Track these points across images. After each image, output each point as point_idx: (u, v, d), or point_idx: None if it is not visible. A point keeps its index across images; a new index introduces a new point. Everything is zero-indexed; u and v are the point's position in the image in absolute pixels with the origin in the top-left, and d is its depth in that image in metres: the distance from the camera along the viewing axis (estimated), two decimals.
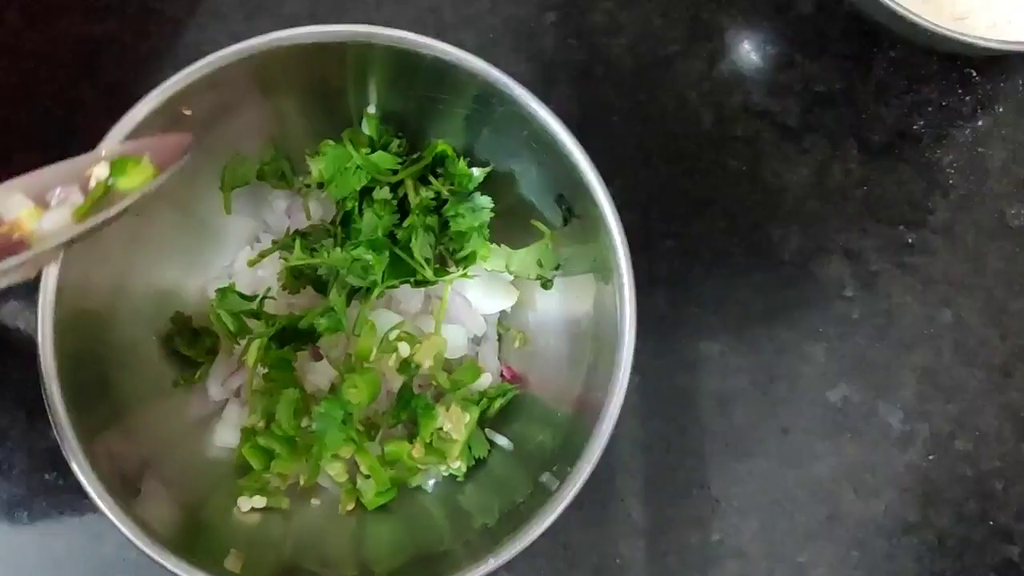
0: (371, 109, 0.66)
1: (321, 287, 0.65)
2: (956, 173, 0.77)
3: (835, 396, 0.75)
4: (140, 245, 0.64)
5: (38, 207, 0.56)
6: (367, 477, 0.65)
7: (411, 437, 0.65)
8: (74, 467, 0.55)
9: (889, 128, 0.78)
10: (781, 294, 0.76)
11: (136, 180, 0.56)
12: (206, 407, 0.68)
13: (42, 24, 0.76)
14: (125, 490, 0.57)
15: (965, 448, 0.75)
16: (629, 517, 0.72)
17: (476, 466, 0.67)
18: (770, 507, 0.73)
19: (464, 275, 0.66)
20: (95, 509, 0.67)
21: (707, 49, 0.78)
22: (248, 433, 0.65)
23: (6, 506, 0.71)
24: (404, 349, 0.64)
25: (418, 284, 0.65)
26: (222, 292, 0.64)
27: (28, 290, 0.71)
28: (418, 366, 0.64)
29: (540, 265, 0.66)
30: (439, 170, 0.67)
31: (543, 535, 0.57)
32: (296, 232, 0.67)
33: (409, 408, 0.64)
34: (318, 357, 0.67)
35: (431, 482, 0.68)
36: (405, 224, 0.64)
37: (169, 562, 0.55)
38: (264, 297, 0.65)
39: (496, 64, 0.59)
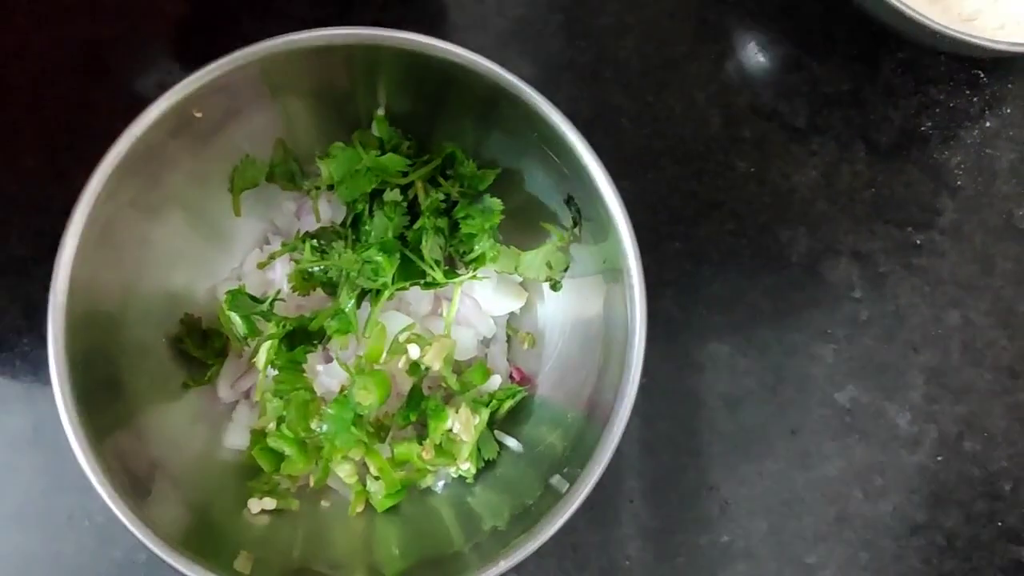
0: (380, 111, 0.66)
1: (331, 289, 0.65)
2: (964, 174, 0.77)
3: (843, 397, 0.74)
4: (150, 247, 0.64)
5: None
6: (377, 479, 0.65)
7: (421, 439, 0.65)
8: (85, 468, 0.55)
9: (897, 129, 0.78)
10: (789, 295, 0.75)
11: None
12: (216, 409, 0.68)
13: (51, 27, 0.76)
14: (135, 491, 0.57)
15: (973, 449, 0.74)
16: (638, 518, 0.72)
17: (486, 468, 0.67)
18: (779, 508, 0.73)
19: (474, 277, 0.66)
20: (105, 512, 0.68)
21: (714, 51, 0.78)
22: (258, 435, 0.65)
23: (16, 510, 0.71)
24: (414, 351, 0.64)
25: (428, 286, 0.65)
26: (232, 294, 0.64)
27: (38, 293, 0.72)
28: (428, 368, 0.64)
29: (549, 267, 0.66)
30: (449, 172, 0.67)
31: (552, 536, 0.57)
32: (306, 234, 0.67)
33: (419, 410, 0.65)
34: (328, 359, 0.67)
35: (441, 484, 0.68)
36: (415, 226, 0.64)
37: (180, 563, 0.55)
38: (274, 299, 0.65)
39: (503, 66, 0.59)
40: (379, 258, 0.62)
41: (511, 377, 0.69)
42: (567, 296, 0.68)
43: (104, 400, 0.59)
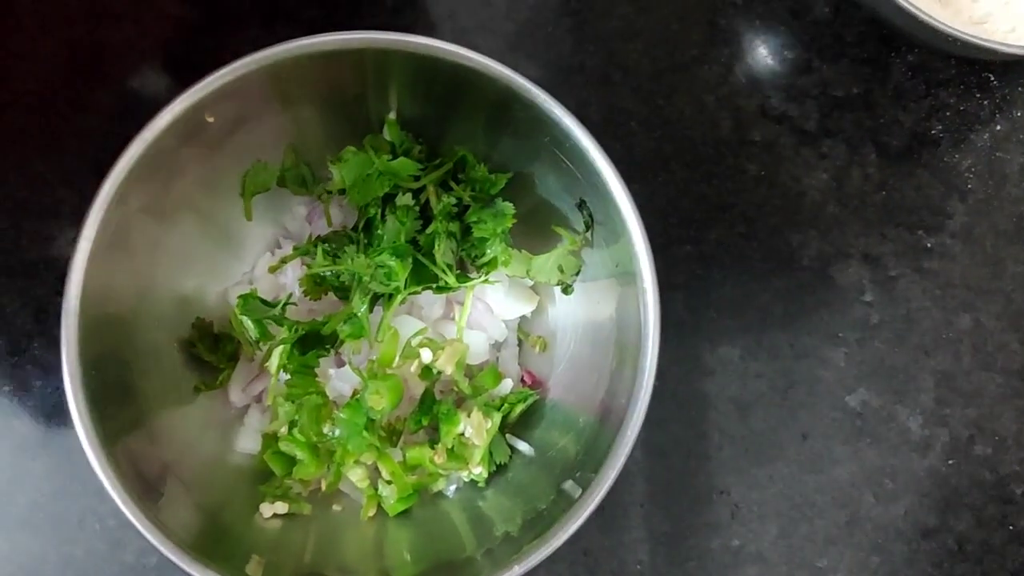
0: (392, 115, 0.66)
1: (343, 293, 0.65)
2: (974, 177, 0.77)
3: (854, 401, 0.74)
4: (162, 252, 0.64)
5: None
6: (389, 483, 0.65)
7: (433, 443, 0.65)
8: (97, 471, 0.55)
9: (907, 132, 0.77)
10: (800, 299, 0.75)
11: None
12: (227, 413, 0.68)
13: (58, 31, 0.76)
14: (147, 494, 0.57)
15: (984, 453, 0.74)
16: (648, 522, 0.72)
17: (497, 472, 0.67)
18: (790, 512, 0.73)
19: (486, 281, 0.66)
20: (116, 515, 0.68)
21: (724, 54, 0.78)
22: (270, 439, 0.65)
23: (26, 513, 0.71)
24: (426, 355, 0.64)
25: (440, 290, 0.65)
26: (244, 298, 0.64)
27: (49, 296, 0.72)
28: (440, 372, 0.64)
29: (561, 271, 0.66)
30: (460, 176, 0.67)
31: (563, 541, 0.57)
32: (318, 238, 0.67)
33: (431, 414, 0.65)
34: (340, 363, 0.67)
35: (452, 488, 0.68)
36: (427, 230, 0.64)
37: (191, 567, 0.55)
38: (286, 303, 0.65)
39: (513, 69, 0.59)
40: (391, 262, 0.62)
41: (523, 381, 0.69)
42: (579, 300, 0.68)
43: (116, 404, 0.59)
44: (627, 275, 0.61)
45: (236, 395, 0.68)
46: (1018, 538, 0.74)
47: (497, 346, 0.70)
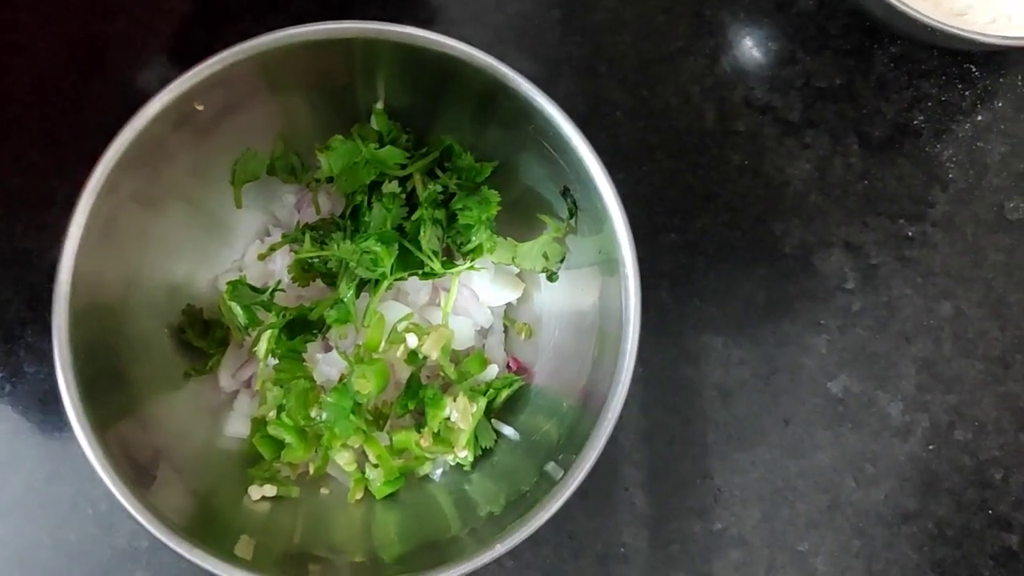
0: (379, 105, 0.67)
1: (330, 279, 0.66)
2: (956, 167, 0.78)
3: (836, 387, 0.75)
4: (152, 240, 0.65)
5: None
6: (375, 466, 0.66)
7: (419, 427, 0.66)
8: (89, 456, 0.56)
9: (889, 123, 0.78)
10: (783, 287, 0.76)
11: None
12: (217, 398, 0.69)
13: (54, 24, 0.77)
14: (138, 478, 0.58)
15: (964, 438, 0.75)
16: (633, 506, 0.73)
17: (483, 456, 0.67)
18: (772, 496, 0.74)
19: (471, 267, 0.67)
20: (107, 499, 0.69)
21: (709, 45, 0.79)
22: (259, 423, 0.66)
23: (20, 497, 0.72)
24: (412, 340, 0.65)
25: (426, 276, 0.66)
26: (233, 285, 0.65)
27: (42, 284, 0.73)
28: (426, 357, 0.65)
29: (546, 258, 0.67)
30: (446, 164, 0.68)
31: (548, 524, 0.57)
32: (306, 226, 0.68)
33: (417, 398, 0.65)
34: (327, 348, 0.68)
35: (438, 472, 0.69)
36: (413, 217, 0.65)
37: (182, 548, 0.56)
38: (275, 289, 0.65)
39: (500, 60, 0.60)
40: (378, 248, 0.63)
41: (508, 367, 0.70)
42: (563, 287, 0.69)
43: (107, 390, 0.60)
44: (610, 262, 0.62)
45: (226, 380, 0.69)
46: (997, 522, 0.75)
47: (483, 332, 0.70)
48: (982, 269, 0.77)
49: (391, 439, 0.66)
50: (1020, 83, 0.80)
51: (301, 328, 0.65)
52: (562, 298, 0.69)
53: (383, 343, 0.64)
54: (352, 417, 0.63)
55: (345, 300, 0.64)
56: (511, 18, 0.79)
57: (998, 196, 0.78)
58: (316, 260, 0.66)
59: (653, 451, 0.74)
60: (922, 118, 0.79)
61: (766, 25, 0.80)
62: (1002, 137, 0.79)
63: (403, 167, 0.66)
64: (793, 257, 0.77)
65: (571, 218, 0.66)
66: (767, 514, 0.74)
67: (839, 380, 0.75)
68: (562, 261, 0.68)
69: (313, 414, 0.64)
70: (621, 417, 0.58)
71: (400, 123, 0.68)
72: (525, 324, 0.71)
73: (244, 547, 0.59)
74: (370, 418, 0.65)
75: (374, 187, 0.66)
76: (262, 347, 0.64)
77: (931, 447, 0.75)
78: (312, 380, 0.65)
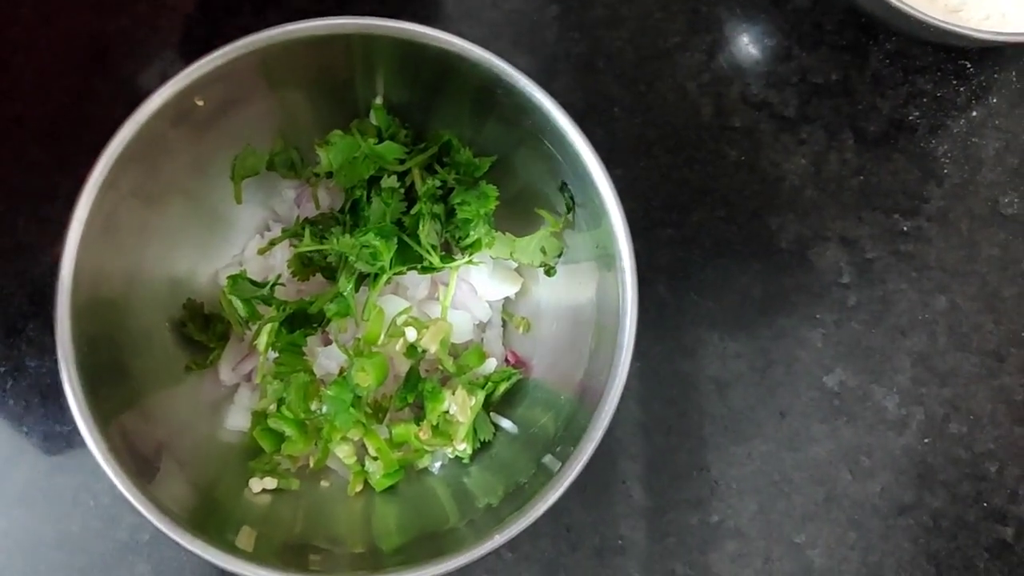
0: (378, 100, 0.67)
1: (330, 274, 0.67)
2: (950, 162, 0.79)
3: (832, 381, 0.76)
4: (153, 234, 0.66)
5: None
6: (375, 459, 0.66)
7: (418, 420, 0.66)
8: (91, 448, 0.57)
9: (885, 119, 0.79)
10: (779, 281, 0.77)
11: None
12: (218, 391, 0.69)
13: (55, 21, 0.78)
14: (141, 471, 0.58)
15: (959, 431, 0.76)
16: (630, 499, 0.74)
17: (481, 448, 0.68)
18: (768, 489, 0.75)
19: (469, 262, 0.68)
20: (109, 492, 0.69)
21: (706, 41, 0.79)
22: (259, 416, 0.67)
23: (22, 490, 0.73)
24: (411, 334, 0.65)
25: (425, 270, 0.67)
26: (233, 279, 0.66)
27: (44, 279, 0.73)
28: (425, 350, 0.66)
29: (544, 252, 0.68)
30: (445, 159, 0.68)
31: (546, 516, 0.58)
32: (305, 220, 0.69)
33: (416, 391, 0.66)
34: (327, 342, 0.68)
35: (437, 464, 0.69)
36: (412, 212, 0.66)
37: (184, 539, 0.57)
38: (275, 283, 0.66)
39: (498, 56, 0.61)
40: (377, 243, 0.64)
41: (506, 360, 0.71)
42: (561, 281, 0.70)
43: (109, 383, 0.60)
44: (608, 257, 0.62)
45: (226, 374, 0.69)
46: (992, 515, 0.75)
47: (481, 326, 0.71)
48: (977, 264, 0.78)
49: (390, 432, 0.66)
50: (1014, 79, 0.80)
51: (301, 322, 0.65)
52: (560, 292, 0.70)
53: (382, 337, 0.65)
54: (352, 410, 0.63)
55: (345, 294, 0.64)
56: (508, 14, 0.79)
57: (992, 191, 0.79)
58: (316, 254, 0.66)
59: (650, 444, 0.75)
60: (917, 114, 0.79)
61: (762, 21, 0.80)
62: (996, 133, 0.79)
63: (402, 162, 0.67)
64: (789, 252, 0.77)
65: (569, 213, 0.66)
66: (763, 506, 0.74)
67: (835, 373, 0.76)
68: (560, 256, 0.68)
69: (313, 407, 0.65)
70: (618, 410, 0.59)
71: (399, 118, 0.68)
72: (523, 318, 0.72)
73: (245, 538, 0.60)
74: (370, 411, 0.66)
75: (373, 182, 0.67)
76: (262, 341, 0.65)
77: (926, 440, 0.76)
78: (312, 373, 0.66)
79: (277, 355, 0.65)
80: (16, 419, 0.73)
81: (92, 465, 0.57)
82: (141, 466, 0.59)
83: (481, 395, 0.66)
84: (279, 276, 0.67)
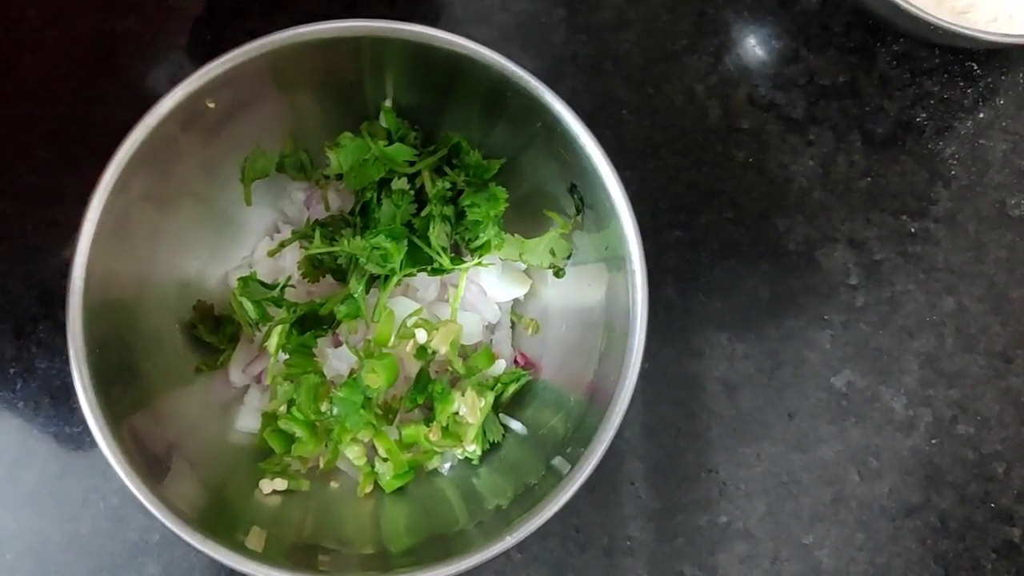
0: (388, 102, 0.68)
1: (340, 275, 0.67)
2: (958, 164, 0.79)
3: (840, 382, 0.76)
4: (163, 236, 0.66)
5: None
6: (385, 460, 0.67)
7: (428, 421, 0.67)
8: (103, 449, 0.57)
9: (892, 120, 0.79)
10: (787, 283, 0.77)
11: None
12: (228, 392, 0.70)
13: (63, 21, 0.78)
14: (152, 472, 0.58)
15: (967, 432, 0.76)
16: (639, 500, 0.74)
17: (490, 450, 0.68)
18: (776, 490, 0.75)
19: (479, 263, 0.68)
20: (119, 493, 0.70)
21: (714, 44, 0.79)
22: (269, 417, 0.67)
23: (32, 492, 0.73)
24: (421, 335, 0.65)
25: (435, 272, 0.67)
26: (244, 281, 0.66)
27: (53, 280, 0.74)
28: (435, 352, 0.66)
29: (553, 254, 0.68)
30: (455, 161, 0.68)
31: (555, 517, 0.58)
32: (316, 222, 0.69)
33: (426, 393, 0.66)
34: (338, 343, 0.68)
35: (447, 466, 0.69)
36: (422, 214, 0.66)
37: (194, 540, 0.57)
38: (285, 285, 0.66)
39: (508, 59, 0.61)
40: (387, 245, 0.64)
41: (516, 362, 0.71)
42: (570, 283, 0.70)
43: (120, 384, 0.60)
44: (617, 258, 0.62)
45: (236, 375, 0.69)
46: (1000, 515, 0.75)
47: (491, 328, 0.71)
48: (984, 265, 0.78)
49: (400, 433, 0.66)
50: (1021, 80, 0.80)
51: (311, 323, 0.66)
52: (569, 294, 0.70)
53: (393, 338, 0.65)
54: (362, 411, 0.64)
55: (355, 296, 0.65)
56: (516, 16, 0.79)
57: (1000, 193, 0.79)
58: (326, 256, 0.66)
59: (658, 445, 0.75)
60: (925, 115, 0.79)
61: (769, 23, 0.80)
62: (1004, 134, 0.79)
63: (412, 164, 0.67)
64: (797, 253, 0.77)
65: (578, 215, 0.67)
66: (772, 507, 0.74)
67: (843, 375, 0.76)
68: (569, 257, 0.69)
69: (323, 408, 0.65)
70: (627, 412, 0.59)
71: (409, 120, 0.68)
72: (532, 319, 0.72)
73: (255, 539, 0.60)
74: (380, 412, 0.66)
75: (383, 184, 0.67)
76: (273, 342, 0.65)
77: (934, 441, 0.76)
78: (322, 375, 0.66)
79: (287, 356, 0.65)
80: (26, 420, 0.73)
81: (102, 466, 0.57)
82: (151, 467, 0.59)
83: (491, 396, 0.66)
84: (289, 278, 0.67)
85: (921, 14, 0.68)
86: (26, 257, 0.75)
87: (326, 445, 0.66)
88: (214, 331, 0.68)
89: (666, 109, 0.79)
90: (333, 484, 0.68)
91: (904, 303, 0.77)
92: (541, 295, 0.72)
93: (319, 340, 0.66)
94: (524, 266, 0.71)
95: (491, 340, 0.71)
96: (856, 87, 0.79)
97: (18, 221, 0.75)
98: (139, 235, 0.64)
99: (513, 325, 0.72)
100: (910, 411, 0.76)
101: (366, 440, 0.67)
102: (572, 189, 0.66)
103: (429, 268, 0.67)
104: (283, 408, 0.66)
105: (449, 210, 0.66)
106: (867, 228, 0.78)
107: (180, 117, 0.60)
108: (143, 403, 0.63)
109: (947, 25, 0.68)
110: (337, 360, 0.67)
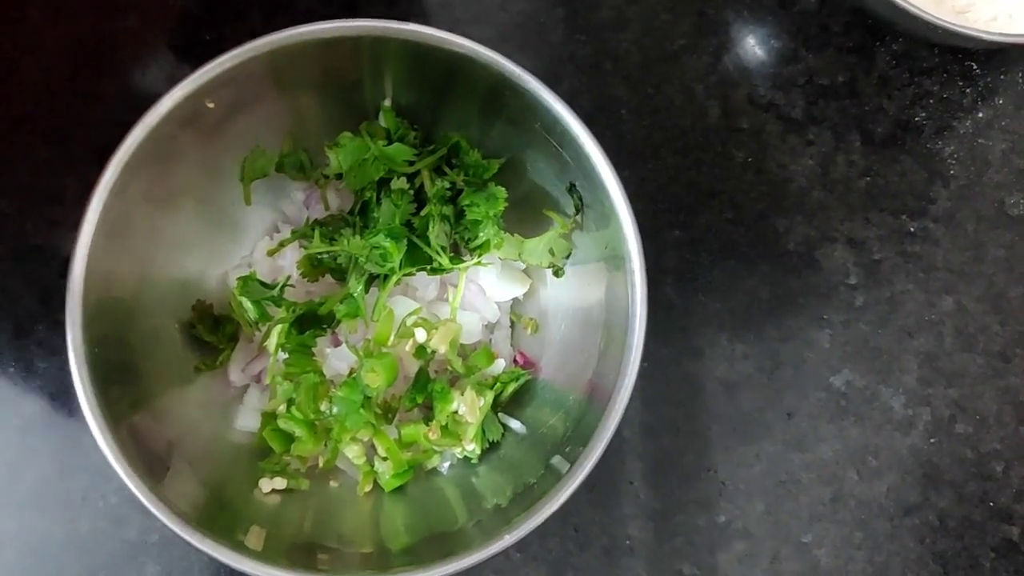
0: (387, 102, 0.68)
1: (339, 275, 0.67)
2: (957, 164, 0.79)
3: (839, 381, 0.76)
4: (163, 236, 0.66)
5: None
6: (384, 459, 0.67)
7: (427, 420, 0.67)
8: (103, 448, 0.57)
9: (891, 120, 0.79)
10: (786, 282, 0.77)
11: None
12: (227, 392, 0.70)
13: (64, 21, 0.78)
14: (152, 471, 0.59)
15: (965, 431, 0.76)
16: (638, 499, 0.74)
17: (490, 449, 0.68)
18: (775, 489, 0.75)
19: (478, 263, 0.68)
20: (118, 493, 0.70)
21: (713, 44, 0.80)
22: (269, 417, 0.67)
23: (32, 492, 0.73)
24: (420, 335, 0.65)
25: (434, 272, 0.67)
26: (243, 280, 0.66)
27: (53, 280, 0.74)
28: (434, 351, 0.66)
29: (552, 253, 0.68)
30: (454, 161, 0.68)
31: (555, 516, 0.58)
32: (315, 222, 0.69)
33: (425, 392, 0.66)
34: (337, 343, 0.68)
35: (446, 465, 0.69)
36: (422, 213, 0.66)
37: (194, 539, 0.57)
38: (284, 284, 0.66)
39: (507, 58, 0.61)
40: (387, 244, 0.64)
41: (515, 361, 0.71)
42: (569, 282, 0.70)
43: (120, 384, 0.61)
44: (616, 258, 0.62)
45: (236, 375, 0.69)
46: (998, 514, 0.75)
47: (490, 327, 0.71)
48: (983, 264, 0.78)
49: (400, 432, 0.66)
50: (1020, 80, 0.80)
51: (311, 323, 0.66)
52: (568, 293, 0.70)
53: (392, 337, 0.65)
54: (361, 411, 0.64)
55: (354, 295, 0.65)
56: (515, 16, 0.80)
57: (999, 192, 0.79)
58: (326, 256, 0.66)
59: (658, 445, 0.75)
60: (924, 115, 0.79)
61: (769, 23, 0.80)
62: (1003, 134, 0.79)
63: (411, 164, 0.67)
64: (796, 253, 0.77)
65: (577, 214, 0.67)
66: (770, 507, 0.75)
67: (842, 374, 0.76)
68: (568, 257, 0.69)
69: (323, 408, 0.65)
70: (626, 411, 0.59)
71: (408, 120, 0.69)
72: (531, 319, 0.72)
73: (255, 538, 0.60)
74: (379, 412, 0.66)
75: (383, 183, 0.67)
76: (272, 342, 0.65)
77: (933, 440, 0.76)
78: (322, 374, 0.66)
79: (287, 356, 0.66)
80: (26, 420, 0.73)
81: (101, 465, 0.57)
82: (151, 466, 0.59)
83: (490, 396, 0.67)
84: (289, 277, 0.67)
85: (920, 14, 0.68)
86: (26, 256, 0.75)
87: (325, 444, 0.66)
88: (213, 331, 0.68)
89: (665, 109, 0.79)
90: (333, 483, 0.69)
91: (903, 303, 0.77)
92: (540, 295, 0.72)
93: (318, 339, 0.66)
94: (523, 265, 0.71)
95: (490, 339, 0.71)
96: (855, 87, 0.79)
97: (18, 220, 0.75)
98: (139, 235, 0.64)
99: (512, 324, 0.72)
100: (909, 410, 0.76)
101: (366, 439, 0.67)
102: (571, 189, 0.66)
103: (428, 267, 0.67)
104: (282, 407, 0.66)
105: (448, 209, 0.66)
106: (866, 228, 0.78)
107: (180, 117, 0.61)
108: (143, 403, 0.63)
109: (946, 25, 0.68)
110: (336, 359, 0.67)
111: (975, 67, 0.80)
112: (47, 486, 0.73)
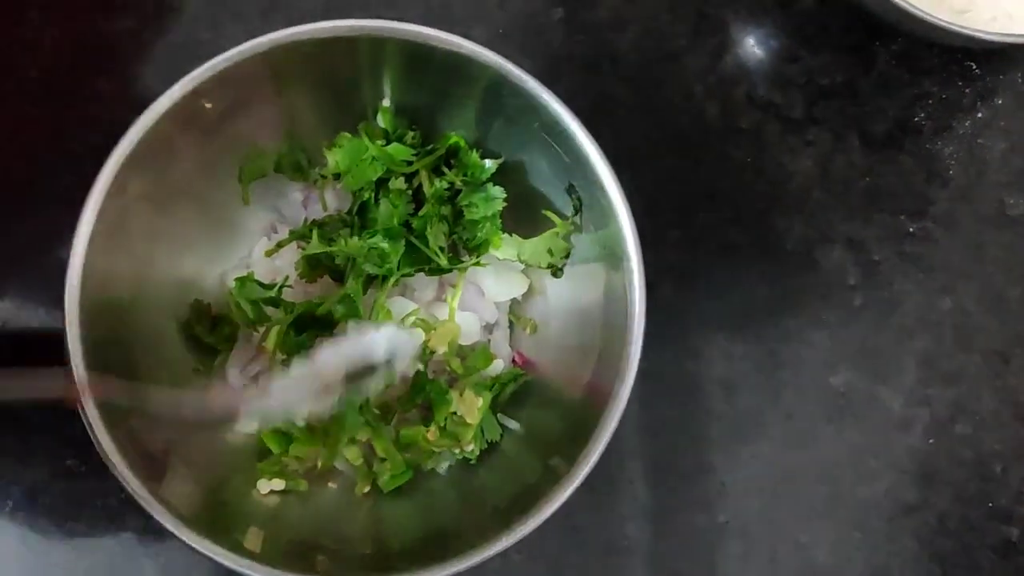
0: (385, 102, 0.68)
1: (338, 275, 0.67)
2: (956, 164, 0.79)
3: (837, 381, 0.76)
4: (160, 236, 0.66)
5: None
6: (383, 460, 0.67)
7: (426, 421, 0.67)
8: (102, 448, 0.57)
9: (891, 120, 0.79)
10: (785, 282, 0.77)
11: None
12: None
13: (62, 21, 0.78)
14: (150, 471, 0.59)
15: (965, 432, 0.76)
16: (637, 499, 0.74)
17: (488, 450, 0.68)
18: (774, 489, 0.75)
19: (477, 263, 0.68)
20: (117, 494, 0.69)
21: (712, 43, 0.79)
22: None
23: (29, 491, 0.73)
24: (419, 335, 0.65)
25: (432, 272, 0.67)
26: (241, 281, 0.66)
27: (52, 280, 0.73)
28: (432, 352, 0.66)
29: (551, 254, 0.68)
30: (453, 161, 0.68)
31: (553, 517, 0.58)
32: (313, 222, 0.69)
33: (424, 393, 0.66)
34: None
35: (445, 465, 0.69)
36: (420, 214, 0.66)
37: (192, 539, 0.57)
38: (282, 285, 0.66)
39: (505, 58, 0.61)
40: (385, 245, 0.64)
41: (513, 361, 0.71)
42: (568, 283, 0.70)
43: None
44: (615, 258, 0.62)
45: (234, 376, 0.69)
46: (998, 515, 0.75)
47: (488, 328, 0.71)
48: (982, 265, 0.78)
49: (398, 433, 0.66)
50: (1020, 80, 0.80)
51: (309, 324, 0.66)
52: (567, 294, 0.70)
53: None
54: (360, 412, 0.64)
55: (352, 296, 0.65)
56: (513, 16, 0.79)
57: (999, 192, 0.79)
58: (324, 256, 0.66)
59: (656, 445, 0.75)
60: (923, 115, 0.79)
61: (768, 23, 0.80)
62: (1002, 134, 0.79)
63: (409, 164, 0.67)
64: (795, 253, 0.77)
65: (576, 215, 0.67)
66: (769, 506, 0.74)
67: (841, 374, 0.76)
68: (567, 257, 0.69)
69: None
70: (625, 411, 0.59)
71: (406, 120, 0.68)
72: (530, 319, 0.72)
73: (253, 539, 0.60)
74: (377, 413, 0.66)
75: (381, 184, 0.67)
76: (271, 342, 0.65)
77: (932, 440, 0.76)
78: None
79: (285, 357, 0.65)
80: (23, 420, 0.73)
81: (99, 465, 0.57)
82: (149, 467, 0.59)
83: (488, 396, 0.66)
84: (287, 278, 0.67)
85: (920, 14, 0.68)
86: (24, 256, 0.75)
87: (324, 445, 0.66)
88: (211, 331, 0.68)
89: (664, 109, 0.79)
90: (331, 484, 0.68)
91: (902, 303, 0.77)
92: (539, 295, 0.72)
93: (317, 340, 0.66)
94: (522, 266, 0.71)
95: (489, 340, 0.71)
96: (855, 87, 0.79)
97: (15, 220, 0.75)
98: (136, 236, 0.63)
99: (511, 325, 0.72)
100: (908, 411, 0.76)
101: (364, 440, 0.67)
102: (570, 189, 0.66)
103: (427, 268, 0.67)
104: None
105: (447, 210, 0.66)
106: (866, 228, 0.78)
107: (177, 117, 0.60)
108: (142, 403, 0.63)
109: (946, 25, 0.68)
110: None
111: (975, 67, 0.80)
112: (47, 486, 0.72)
